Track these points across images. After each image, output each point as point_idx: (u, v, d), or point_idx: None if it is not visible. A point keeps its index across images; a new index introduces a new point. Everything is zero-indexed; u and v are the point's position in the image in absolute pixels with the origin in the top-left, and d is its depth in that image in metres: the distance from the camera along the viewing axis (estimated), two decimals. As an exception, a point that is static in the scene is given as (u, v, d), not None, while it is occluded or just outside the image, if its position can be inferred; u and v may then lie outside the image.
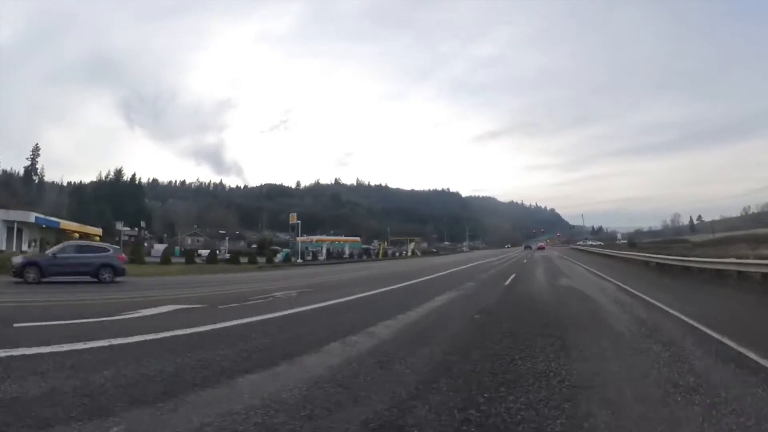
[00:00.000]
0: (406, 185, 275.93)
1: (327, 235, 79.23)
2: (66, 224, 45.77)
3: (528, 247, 79.88)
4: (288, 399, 2.74)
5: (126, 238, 76.70)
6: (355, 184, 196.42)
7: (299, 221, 47.20)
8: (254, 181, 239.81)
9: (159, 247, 51.14)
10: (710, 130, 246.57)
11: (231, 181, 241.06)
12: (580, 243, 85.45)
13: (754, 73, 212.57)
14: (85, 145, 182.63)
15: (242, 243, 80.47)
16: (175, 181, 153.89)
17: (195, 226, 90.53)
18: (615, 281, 11.85)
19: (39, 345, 4.08)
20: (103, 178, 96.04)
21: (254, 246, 68.05)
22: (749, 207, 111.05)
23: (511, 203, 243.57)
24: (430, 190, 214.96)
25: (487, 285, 11.45)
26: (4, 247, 29.03)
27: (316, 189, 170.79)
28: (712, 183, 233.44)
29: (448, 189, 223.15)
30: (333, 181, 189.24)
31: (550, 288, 10.40)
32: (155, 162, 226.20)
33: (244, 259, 35.29)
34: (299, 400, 2.71)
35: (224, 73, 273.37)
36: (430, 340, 4.67)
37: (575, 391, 2.93)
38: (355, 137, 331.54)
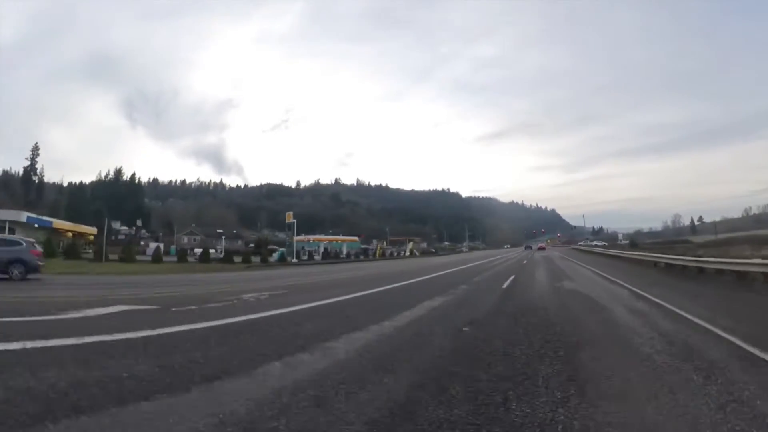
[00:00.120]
0: (407, 185, 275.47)
1: (325, 235, 78.51)
2: (59, 223, 45.02)
3: (528, 248, 78.94)
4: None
5: (123, 237, 76.82)
6: (355, 184, 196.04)
7: (294, 220, 46.30)
8: (254, 180, 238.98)
9: (154, 246, 50.48)
10: (711, 130, 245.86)
11: (231, 181, 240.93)
12: (581, 243, 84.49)
13: (755, 74, 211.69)
14: (87, 145, 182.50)
15: (239, 242, 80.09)
16: (176, 181, 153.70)
17: (193, 225, 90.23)
18: (626, 284, 10.61)
19: None
20: (103, 178, 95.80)
21: (252, 245, 67.43)
22: (750, 208, 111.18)
23: (512, 203, 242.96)
24: (430, 190, 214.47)
25: (482, 288, 10.27)
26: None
27: (316, 189, 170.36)
28: (712, 184, 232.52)
29: (448, 189, 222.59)
30: (333, 181, 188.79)
31: (553, 293, 9.24)
32: (156, 162, 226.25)
33: (239, 259, 34.94)
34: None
35: (226, 72, 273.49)
36: (400, 364, 3.56)
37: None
38: (355, 137, 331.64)
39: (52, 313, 5.79)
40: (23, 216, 36.47)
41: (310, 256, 47.43)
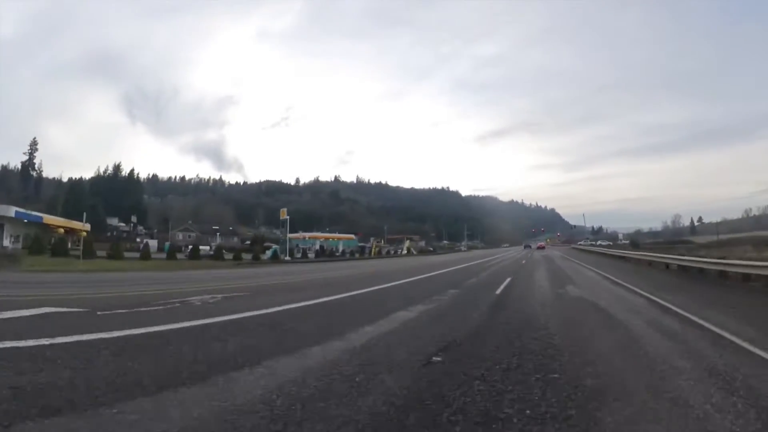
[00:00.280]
0: (406, 184, 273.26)
1: (322, 233, 77.24)
2: (50, 219, 43.76)
3: (528, 246, 77.92)
4: None
5: (118, 233, 75.88)
6: (354, 181, 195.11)
7: (288, 217, 44.96)
8: (254, 177, 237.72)
9: (150, 243, 49.58)
10: (711, 131, 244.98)
11: (231, 178, 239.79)
12: (582, 242, 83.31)
13: (756, 75, 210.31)
14: (87, 142, 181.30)
15: (235, 239, 79.12)
16: (175, 177, 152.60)
17: (189, 222, 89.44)
18: (640, 291, 9.09)
19: None
20: (101, 174, 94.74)
21: (248, 242, 66.33)
22: (750, 209, 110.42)
23: (512, 202, 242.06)
24: (429, 188, 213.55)
25: (472, 294, 8.78)
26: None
27: (316, 186, 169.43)
28: (712, 185, 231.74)
29: (448, 188, 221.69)
30: (333, 179, 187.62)
31: (556, 301, 7.74)
32: (156, 158, 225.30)
33: (230, 256, 34.05)
34: None
35: (226, 70, 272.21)
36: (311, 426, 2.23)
37: None
38: (356, 135, 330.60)
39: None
40: (11, 211, 35.32)
41: (304, 254, 46.29)
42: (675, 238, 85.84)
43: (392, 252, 61.40)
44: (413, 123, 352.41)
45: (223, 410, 2.42)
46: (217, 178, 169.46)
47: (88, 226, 49.14)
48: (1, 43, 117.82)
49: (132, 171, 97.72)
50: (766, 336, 4.57)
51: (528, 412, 2.50)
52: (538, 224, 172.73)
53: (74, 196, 77.30)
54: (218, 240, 65.96)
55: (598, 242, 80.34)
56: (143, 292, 9.12)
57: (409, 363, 3.60)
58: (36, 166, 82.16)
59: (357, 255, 51.67)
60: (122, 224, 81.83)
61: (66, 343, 3.95)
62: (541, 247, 70.85)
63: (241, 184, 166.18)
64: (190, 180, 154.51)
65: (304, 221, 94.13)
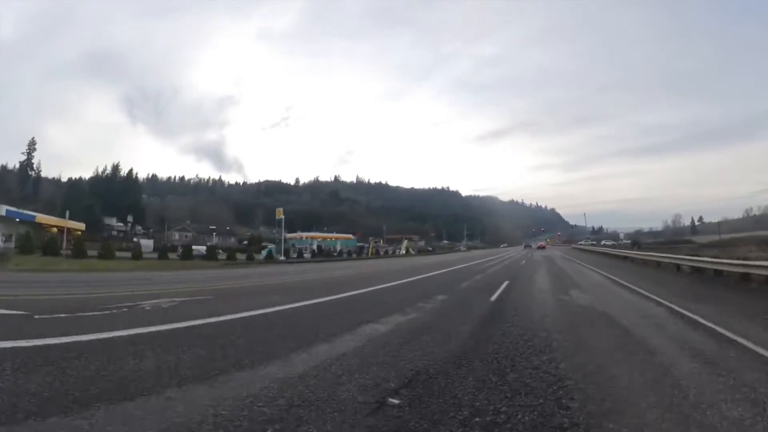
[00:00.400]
0: (406, 183, 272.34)
1: (320, 233, 76.37)
2: (42, 218, 42.88)
3: (528, 246, 77.05)
4: None
5: (114, 233, 75.27)
6: (354, 181, 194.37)
7: (283, 217, 44.00)
8: (253, 177, 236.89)
9: (145, 243, 48.83)
10: (711, 131, 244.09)
11: (231, 178, 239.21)
12: (582, 242, 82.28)
13: (756, 75, 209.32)
14: (87, 142, 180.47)
15: (232, 239, 78.32)
16: (175, 177, 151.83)
17: (187, 222, 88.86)
18: (657, 297, 7.94)
19: None
20: (100, 174, 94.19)
21: (245, 242, 65.53)
22: (751, 209, 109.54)
23: (512, 202, 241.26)
24: (429, 188, 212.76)
25: (462, 302, 7.63)
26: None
27: (315, 186, 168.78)
28: (712, 185, 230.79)
29: (448, 188, 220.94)
30: (332, 179, 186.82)
31: (560, 312, 6.47)
32: (156, 158, 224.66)
33: (224, 256, 33.75)
34: None
35: (226, 70, 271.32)
36: None
37: None
38: (356, 135, 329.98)
39: None
40: (2, 209, 34.71)
41: (300, 254, 45.38)
42: (676, 237, 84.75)
43: (390, 252, 60.33)
44: (413, 123, 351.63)
45: None
46: (217, 178, 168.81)
47: (82, 226, 48.65)
48: (1, 42, 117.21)
49: (131, 171, 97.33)
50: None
51: None
52: (538, 224, 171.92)
53: (72, 196, 76.74)
54: (215, 240, 65.05)
55: (602, 242, 79.03)
56: (103, 294, 8.53)
57: (353, 406, 2.56)
58: (34, 165, 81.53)
59: (354, 255, 50.67)
60: (120, 224, 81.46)
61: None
62: (542, 247, 69.95)
63: (241, 184, 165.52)
64: (189, 180, 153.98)
65: (303, 221, 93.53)
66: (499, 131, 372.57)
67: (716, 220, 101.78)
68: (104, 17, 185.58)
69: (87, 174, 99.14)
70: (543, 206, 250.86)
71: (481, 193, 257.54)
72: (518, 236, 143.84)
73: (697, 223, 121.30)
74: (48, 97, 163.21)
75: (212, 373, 3.18)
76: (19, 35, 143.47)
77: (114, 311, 6.06)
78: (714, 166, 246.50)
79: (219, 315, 5.76)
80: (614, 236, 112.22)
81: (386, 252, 59.58)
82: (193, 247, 38.38)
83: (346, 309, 6.57)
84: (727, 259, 12.15)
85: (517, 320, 5.69)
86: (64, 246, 37.45)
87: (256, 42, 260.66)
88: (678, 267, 15.14)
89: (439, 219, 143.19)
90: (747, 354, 3.96)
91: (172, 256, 34.50)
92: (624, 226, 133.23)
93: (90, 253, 29.64)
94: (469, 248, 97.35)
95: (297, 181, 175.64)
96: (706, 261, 12.80)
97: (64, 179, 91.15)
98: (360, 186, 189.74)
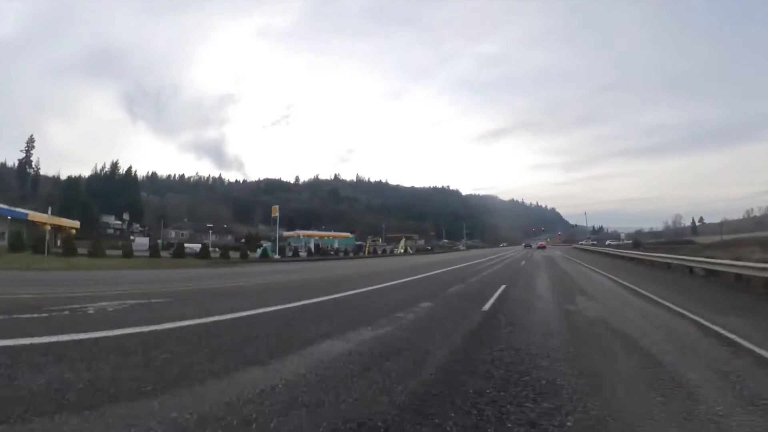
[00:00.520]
0: (406, 182, 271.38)
1: (318, 231, 75.47)
2: (35, 215, 42.09)
3: (528, 246, 76.25)
4: None
5: (111, 231, 74.65)
6: (354, 180, 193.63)
7: (278, 215, 43.06)
8: (253, 175, 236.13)
9: (141, 241, 48.19)
10: (712, 132, 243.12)
11: (231, 176, 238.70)
12: (583, 242, 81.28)
13: (757, 76, 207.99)
14: (87, 139, 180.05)
15: (229, 237, 77.66)
16: (174, 175, 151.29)
17: (185, 220, 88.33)
18: (680, 309, 6.74)
19: None
20: (98, 172, 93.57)
21: (243, 240, 64.80)
22: (752, 209, 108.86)
23: (512, 201, 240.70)
24: (430, 187, 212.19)
25: (448, 312, 6.44)
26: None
27: (315, 184, 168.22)
28: (712, 185, 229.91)
29: (448, 187, 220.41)
30: (332, 177, 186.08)
31: (565, 327, 5.32)
32: (156, 156, 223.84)
33: (218, 254, 33.19)
34: None
35: (227, 68, 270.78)
36: None
37: None
38: (356, 133, 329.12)
39: None
40: (-6, 207, 33.94)
41: (295, 252, 44.55)
42: (677, 238, 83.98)
43: (388, 251, 59.35)
44: (414, 121, 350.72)
45: None
46: (217, 176, 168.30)
47: (77, 224, 47.84)
48: (2, 40, 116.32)
49: (129, 169, 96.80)
50: None
51: None
52: (538, 223, 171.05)
53: (69, 193, 76.06)
54: (210, 238, 64.25)
55: (607, 242, 77.70)
56: (58, 294, 7.95)
57: None
58: (33, 163, 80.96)
59: (351, 254, 49.72)
60: (117, 222, 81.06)
61: None
62: (542, 247, 69.12)
63: (241, 182, 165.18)
64: (189, 178, 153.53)
65: (303, 219, 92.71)
66: (500, 130, 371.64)
67: (716, 221, 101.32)
68: (105, 15, 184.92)
69: (86, 172, 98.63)
70: (543, 206, 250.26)
71: (482, 192, 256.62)
72: (518, 235, 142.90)
73: (697, 224, 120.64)
74: (48, 95, 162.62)
75: (92, 402, 2.55)
76: (20, 33, 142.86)
77: (53, 314, 5.53)
78: (714, 167, 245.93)
79: (159, 323, 4.99)
80: (615, 236, 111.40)
81: (384, 251, 58.60)
82: (186, 245, 37.67)
83: (308, 319, 5.55)
84: (748, 261, 10.98)
85: (512, 339, 4.64)
86: (57, 244, 36.74)
87: (257, 40, 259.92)
88: (690, 269, 14.07)
89: (439, 218, 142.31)
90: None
91: (166, 254, 33.91)
92: (624, 226, 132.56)
93: (84, 251, 29.38)
94: (469, 247, 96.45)
95: (297, 179, 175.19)
96: (724, 264, 11.67)
97: (64, 177, 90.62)
98: (360, 184, 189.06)
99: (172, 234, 76.70)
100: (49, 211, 24.08)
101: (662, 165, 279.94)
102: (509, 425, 2.42)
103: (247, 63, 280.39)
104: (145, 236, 61.15)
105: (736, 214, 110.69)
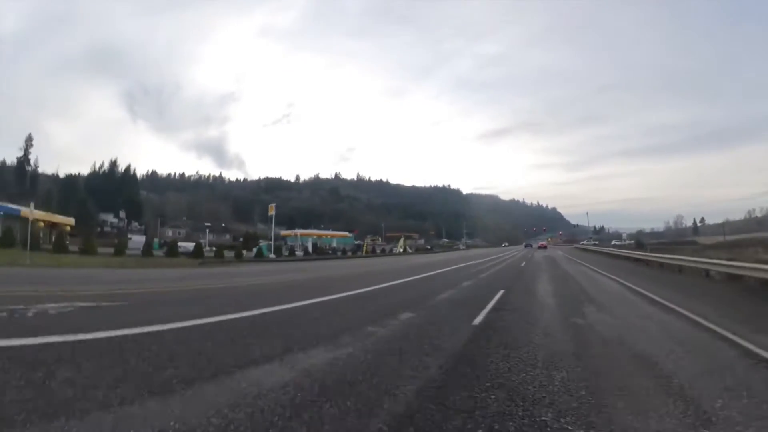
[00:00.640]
0: (407, 181, 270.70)
1: (317, 230, 75.01)
2: (28, 212, 41.70)
3: (528, 246, 75.73)
4: None
5: (108, 228, 74.33)
6: (355, 179, 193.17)
7: (274, 213, 42.59)
8: (254, 174, 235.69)
9: (138, 239, 47.86)
10: (713, 132, 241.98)
11: (231, 175, 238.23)
12: (585, 242, 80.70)
13: (756, 75, 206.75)
14: (88, 138, 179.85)
15: (227, 236, 77.27)
16: (174, 174, 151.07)
17: (184, 218, 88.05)
18: (710, 324, 5.75)
19: None
20: (97, 170, 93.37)
21: (241, 239, 64.38)
22: (754, 210, 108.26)
23: (513, 201, 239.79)
24: (430, 186, 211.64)
25: (429, 329, 5.28)
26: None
27: (316, 183, 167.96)
28: (713, 186, 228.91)
29: (448, 186, 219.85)
30: (333, 176, 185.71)
31: (573, 352, 4.26)
32: (157, 154, 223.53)
33: (212, 253, 32.93)
34: None
35: (228, 66, 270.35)
36: None
37: None
38: (357, 133, 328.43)
39: None
40: (-15, 204, 33.59)
41: (292, 251, 44.04)
42: (679, 238, 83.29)
43: (386, 250, 58.80)
44: (414, 121, 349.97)
45: None
46: (217, 174, 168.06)
47: (72, 221, 47.45)
48: (2, 38, 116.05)
49: (128, 167, 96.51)
50: None
51: None
52: (539, 223, 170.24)
53: (67, 191, 75.78)
54: (208, 237, 63.84)
55: (612, 242, 76.72)
56: (5, 294, 7.33)
57: None
58: (31, 161, 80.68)
59: (349, 253, 49.15)
60: (115, 220, 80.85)
61: None
62: (543, 247, 68.51)
63: (241, 180, 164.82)
64: (189, 177, 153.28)
65: (303, 218, 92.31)
66: (501, 130, 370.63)
67: (718, 221, 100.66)
68: (106, 13, 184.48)
69: (86, 170, 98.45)
70: (544, 205, 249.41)
71: (482, 192, 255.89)
72: (519, 235, 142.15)
73: (699, 224, 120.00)
74: (48, 93, 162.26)
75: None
76: (20, 30, 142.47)
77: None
78: (715, 167, 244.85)
79: (88, 331, 4.43)
80: (616, 236, 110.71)
81: (383, 250, 58.03)
82: (180, 244, 37.17)
83: (258, 333, 4.77)
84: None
85: (503, 371, 3.59)
86: (51, 240, 36.32)
87: (258, 39, 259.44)
88: (707, 273, 13.25)
89: (440, 217, 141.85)
90: None
91: (161, 253, 33.50)
92: (625, 226, 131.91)
93: (76, 248, 28.77)
94: (469, 247, 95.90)
95: (297, 178, 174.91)
96: (747, 267, 10.59)
97: (63, 175, 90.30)
98: (360, 183, 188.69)
99: (169, 233, 76.46)
100: (31, 206, 23.26)
101: (663, 165, 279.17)
102: None
103: (248, 62, 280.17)
104: (142, 234, 60.78)
105: (738, 215, 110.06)
